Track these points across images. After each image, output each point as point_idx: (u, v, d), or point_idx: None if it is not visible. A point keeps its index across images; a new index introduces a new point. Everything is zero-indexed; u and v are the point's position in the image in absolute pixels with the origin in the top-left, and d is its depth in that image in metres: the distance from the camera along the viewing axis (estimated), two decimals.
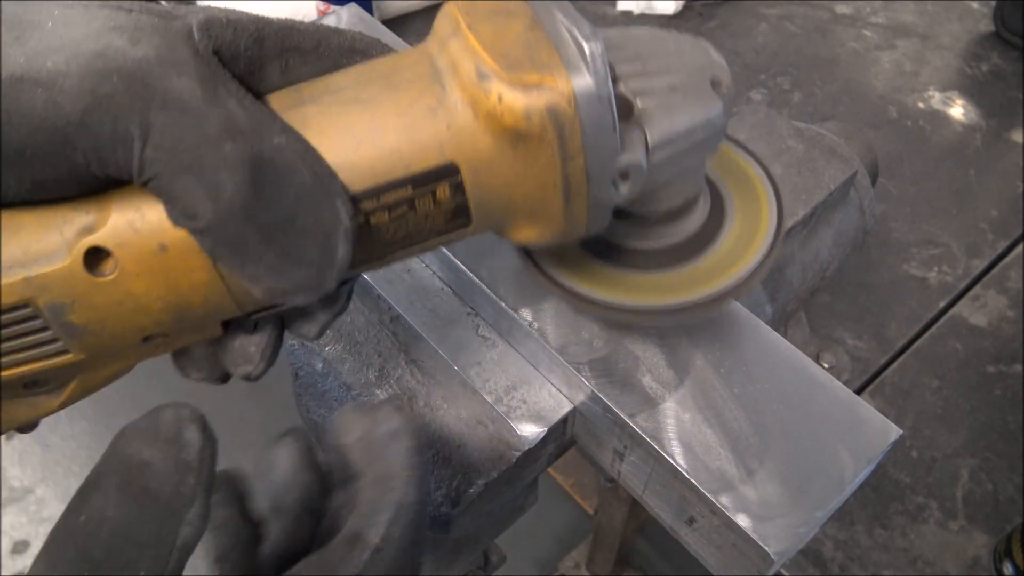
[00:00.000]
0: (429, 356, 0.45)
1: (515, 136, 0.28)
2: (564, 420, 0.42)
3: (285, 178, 0.26)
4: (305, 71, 0.29)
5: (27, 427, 0.31)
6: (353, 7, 0.61)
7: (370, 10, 1.06)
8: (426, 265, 0.47)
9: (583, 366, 0.40)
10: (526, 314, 0.42)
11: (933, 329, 0.83)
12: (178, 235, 0.26)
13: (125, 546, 0.24)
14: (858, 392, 0.69)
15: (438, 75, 0.28)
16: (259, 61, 0.28)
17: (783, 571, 0.65)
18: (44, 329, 0.27)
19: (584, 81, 0.27)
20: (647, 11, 1.16)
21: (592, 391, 0.40)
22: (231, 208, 0.25)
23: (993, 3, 1.15)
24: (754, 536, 0.36)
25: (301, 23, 0.29)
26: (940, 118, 1.04)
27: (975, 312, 0.84)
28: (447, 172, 0.28)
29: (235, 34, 0.27)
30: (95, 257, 0.26)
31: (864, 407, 0.39)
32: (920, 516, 0.69)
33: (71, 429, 1.69)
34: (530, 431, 0.41)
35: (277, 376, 0.59)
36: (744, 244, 0.38)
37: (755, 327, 0.42)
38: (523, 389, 0.43)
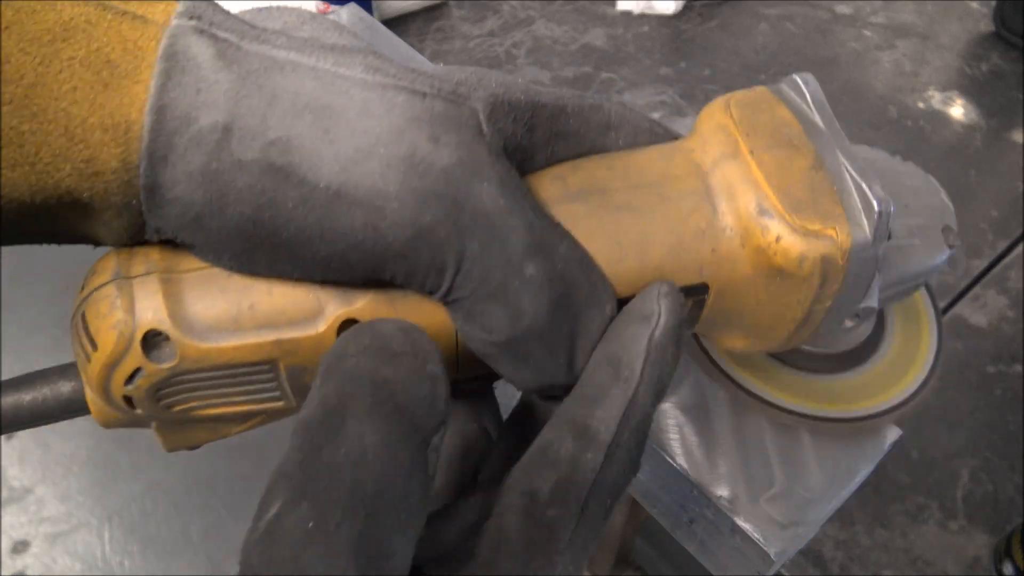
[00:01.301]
0: None
1: (777, 273, 0.27)
2: None
3: (571, 290, 0.25)
4: (565, 154, 0.28)
5: (195, 447, 0.29)
6: (353, 7, 0.61)
7: (370, 10, 1.06)
8: None
9: None
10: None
11: None
12: (434, 320, 0.26)
13: (394, 476, 0.20)
14: None
15: (710, 194, 0.27)
16: (530, 150, 0.27)
17: (783, 571, 0.65)
18: (272, 381, 0.26)
19: (864, 238, 0.26)
20: (647, 11, 1.16)
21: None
22: (527, 331, 0.24)
23: (993, 3, 1.15)
24: (754, 536, 0.36)
25: (568, 98, 0.28)
26: (940, 118, 1.04)
27: (975, 312, 0.84)
28: (697, 291, 0.28)
29: (514, 123, 0.26)
30: (349, 325, 0.25)
31: None
32: (920, 516, 0.69)
33: (71, 429, 1.69)
34: None
35: None
36: (904, 361, 0.40)
37: None
38: None
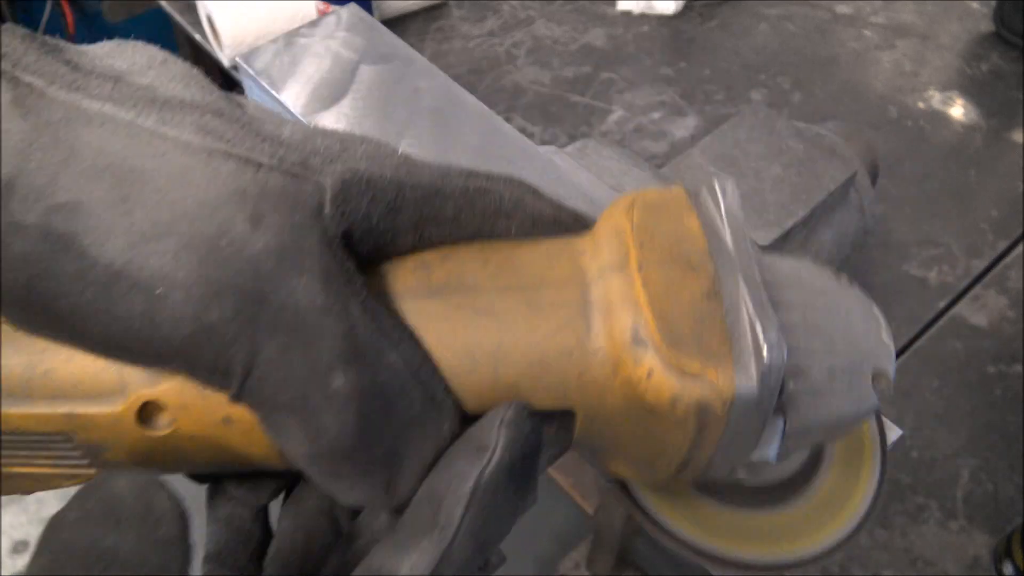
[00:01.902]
0: None
1: (651, 412, 0.24)
2: None
3: (395, 405, 0.22)
4: (441, 238, 0.25)
5: (28, 493, 0.27)
6: (353, 7, 0.61)
7: (370, 10, 1.06)
8: None
9: None
10: None
11: (933, 329, 0.83)
12: (247, 413, 0.23)
13: None
14: None
15: (586, 309, 0.24)
16: (391, 233, 0.24)
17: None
18: (74, 451, 0.24)
19: (749, 388, 0.23)
20: (647, 11, 1.16)
21: None
22: (331, 450, 0.22)
23: (993, 3, 1.15)
24: None
25: (451, 180, 0.24)
26: (940, 118, 1.04)
27: (975, 312, 0.84)
28: (562, 416, 0.25)
29: (371, 205, 0.23)
30: (151, 408, 0.23)
31: None
32: (920, 516, 0.69)
33: None
34: None
35: None
36: (839, 499, 0.35)
37: None
38: None
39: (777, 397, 0.24)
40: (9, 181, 0.20)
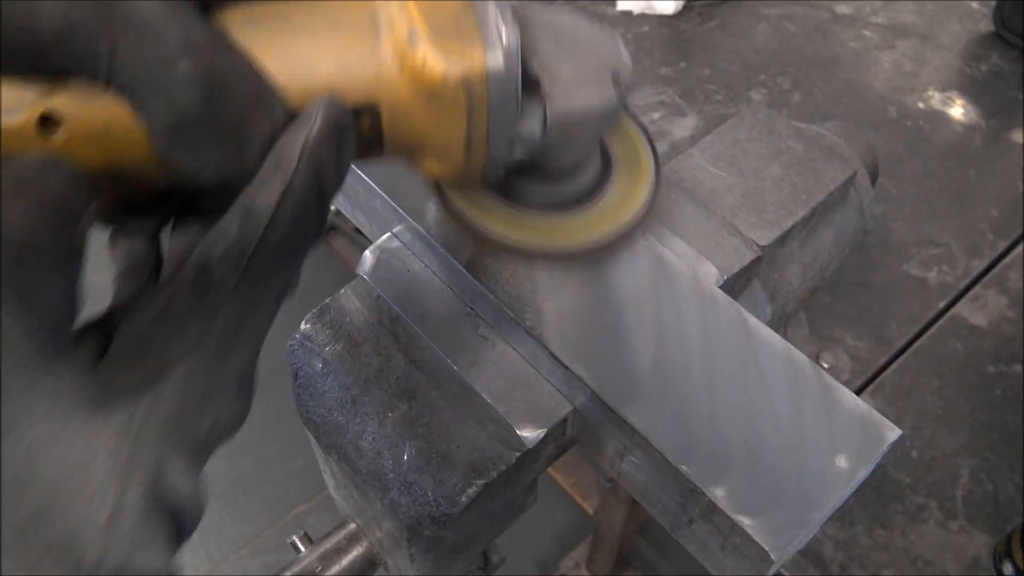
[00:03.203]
0: (429, 356, 0.45)
1: (431, 93, 0.32)
2: (564, 420, 0.42)
3: (234, 91, 0.29)
4: None
5: None
6: None
7: None
8: (426, 265, 0.47)
9: (583, 367, 0.40)
10: (526, 315, 0.42)
11: (933, 329, 0.83)
12: (123, 119, 0.29)
13: (36, 232, 0.25)
14: (858, 392, 0.69)
15: (376, 26, 0.32)
16: None
17: (783, 571, 0.65)
18: None
19: (496, 61, 0.32)
20: (647, 11, 1.16)
21: (592, 391, 0.40)
22: (184, 117, 0.28)
23: (993, 3, 1.15)
24: (754, 536, 0.36)
25: None
26: (940, 118, 1.04)
27: (975, 312, 0.84)
28: (368, 109, 0.32)
29: None
30: (48, 121, 0.29)
31: (864, 407, 0.39)
32: (920, 516, 0.69)
33: None
34: (530, 432, 0.41)
35: (277, 377, 0.59)
36: (625, 200, 0.44)
37: (755, 327, 0.42)
38: (523, 389, 0.43)
39: (519, 68, 0.32)
40: None
